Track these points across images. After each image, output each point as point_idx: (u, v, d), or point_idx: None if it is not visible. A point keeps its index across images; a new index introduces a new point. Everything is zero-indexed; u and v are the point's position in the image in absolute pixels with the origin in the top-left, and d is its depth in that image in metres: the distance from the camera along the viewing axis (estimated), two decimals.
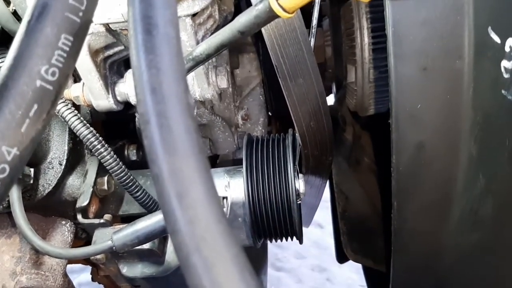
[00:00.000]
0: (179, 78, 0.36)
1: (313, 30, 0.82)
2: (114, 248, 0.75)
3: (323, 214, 1.88)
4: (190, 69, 0.66)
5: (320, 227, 2.90)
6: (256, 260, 1.61)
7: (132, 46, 0.37)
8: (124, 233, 0.74)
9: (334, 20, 1.26)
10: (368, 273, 1.68)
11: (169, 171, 0.31)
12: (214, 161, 1.30)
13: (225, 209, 0.86)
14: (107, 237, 0.77)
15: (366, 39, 1.09)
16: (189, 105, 0.35)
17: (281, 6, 0.53)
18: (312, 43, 0.80)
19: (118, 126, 1.07)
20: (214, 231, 0.29)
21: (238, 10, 0.97)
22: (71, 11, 0.39)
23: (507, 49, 0.61)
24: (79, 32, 0.39)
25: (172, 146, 0.32)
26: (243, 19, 0.57)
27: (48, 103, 0.38)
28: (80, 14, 0.39)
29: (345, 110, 1.38)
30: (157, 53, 0.36)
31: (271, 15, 0.55)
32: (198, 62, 0.64)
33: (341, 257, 1.49)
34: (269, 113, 1.29)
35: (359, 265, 1.60)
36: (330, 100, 1.53)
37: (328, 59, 1.31)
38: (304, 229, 1.26)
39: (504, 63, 0.61)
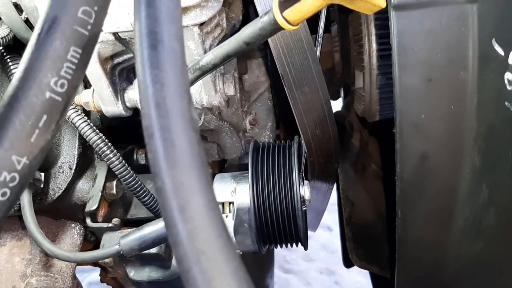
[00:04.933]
0: (183, 92, 0.37)
1: (319, 39, 0.83)
2: (121, 252, 0.76)
3: (332, 217, 1.88)
4: (197, 79, 0.67)
5: (329, 230, 2.90)
6: (262, 264, 1.62)
7: (138, 61, 0.38)
8: (131, 238, 0.76)
9: (343, 26, 1.26)
10: (375, 278, 1.67)
11: (171, 184, 0.32)
12: (222, 165, 1.31)
13: (231, 215, 0.87)
14: (115, 241, 0.78)
15: (374, 46, 1.10)
16: (192, 119, 0.36)
17: (285, 19, 0.54)
18: (318, 52, 0.81)
19: (128, 131, 1.09)
20: (214, 245, 0.30)
21: (246, 18, 0.98)
22: (80, 24, 0.40)
23: (510, 61, 0.61)
24: (88, 44, 0.40)
25: (175, 160, 0.33)
26: (249, 31, 0.58)
27: (57, 114, 0.39)
28: (89, 27, 0.40)
29: (352, 116, 1.38)
30: (161, 68, 0.37)
31: (276, 27, 0.56)
32: (204, 72, 0.65)
33: (348, 262, 1.49)
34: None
35: None
36: (339, 105, 1.54)
37: (336, 64, 1.32)
38: (312, 232, 1.26)
39: (508, 75, 0.62)
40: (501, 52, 0.62)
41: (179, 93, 0.36)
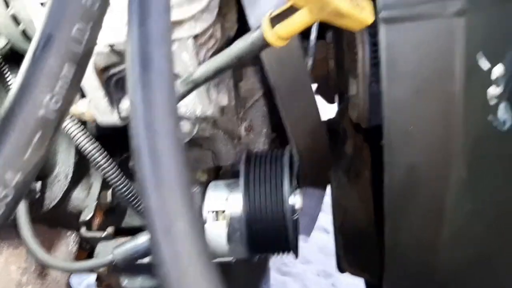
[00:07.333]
0: (171, 113, 0.38)
1: (311, 50, 0.84)
2: (114, 262, 0.77)
3: (329, 219, 1.88)
4: (190, 91, 0.68)
5: (326, 232, 2.89)
6: (256, 269, 1.62)
7: (129, 80, 0.39)
8: (124, 248, 0.77)
9: (337, 33, 1.27)
10: (369, 284, 1.67)
11: (156, 204, 0.33)
12: (217, 172, 1.31)
13: (224, 222, 0.88)
14: (109, 251, 0.79)
15: (368, 53, 1.10)
16: (179, 139, 0.37)
17: (276, 34, 0.55)
18: (310, 62, 0.82)
19: (124, 138, 1.09)
20: (196, 266, 0.31)
21: (243, 26, 0.98)
22: (74, 41, 0.41)
23: (494, 75, 0.62)
24: (82, 60, 0.41)
25: (160, 181, 0.34)
26: (240, 45, 0.59)
27: (51, 130, 0.40)
28: (83, 43, 0.41)
29: (346, 123, 1.38)
30: (151, 89, 0.38)
31: (265, 43, 0.57)
32: (197, 85, 0.66)
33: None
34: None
35: None
36: (334, 110, 1.54)
37: (330, 71, 1.32)
38: (307, 237, 1.26)
39: (491, 90, 0.63)
40: (486, 65, 0.63)
41: (168, 115, 0.38)
